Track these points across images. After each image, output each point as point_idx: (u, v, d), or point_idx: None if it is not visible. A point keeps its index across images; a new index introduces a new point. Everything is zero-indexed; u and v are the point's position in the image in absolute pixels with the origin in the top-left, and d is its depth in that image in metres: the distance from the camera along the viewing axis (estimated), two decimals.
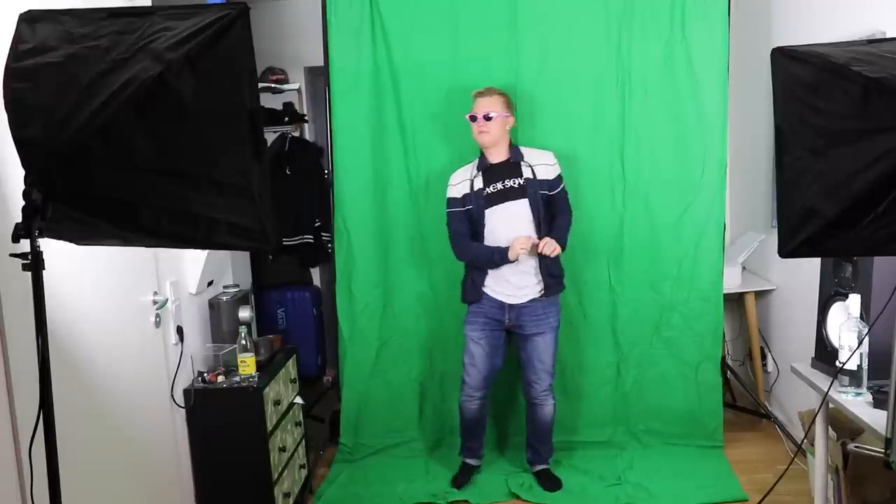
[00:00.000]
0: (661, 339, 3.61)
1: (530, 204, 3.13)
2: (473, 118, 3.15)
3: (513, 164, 3.18)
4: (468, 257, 3.23)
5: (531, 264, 3.16)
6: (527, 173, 3.16)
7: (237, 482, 2.85)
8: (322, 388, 4.39)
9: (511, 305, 3.20)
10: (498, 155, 3.19)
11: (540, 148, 3.31)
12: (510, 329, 3.27)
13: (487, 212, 3.15)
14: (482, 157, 3.22)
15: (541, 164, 3.18)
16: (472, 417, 3.37)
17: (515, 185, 3.14)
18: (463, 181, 3.21)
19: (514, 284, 3.18)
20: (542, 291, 3.18)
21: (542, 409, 3.29)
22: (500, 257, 3.11)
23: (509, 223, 3.13)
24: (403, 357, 3.70)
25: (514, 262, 3.11)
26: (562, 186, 3.23)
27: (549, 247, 3.05)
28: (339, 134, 3.59)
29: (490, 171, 3.18)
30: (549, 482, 3.33)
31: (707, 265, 3.55)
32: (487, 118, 3.12)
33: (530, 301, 3.19)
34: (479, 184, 3.18)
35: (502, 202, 3.14)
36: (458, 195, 3.20)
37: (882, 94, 1.27)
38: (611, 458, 3.54)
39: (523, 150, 3.24)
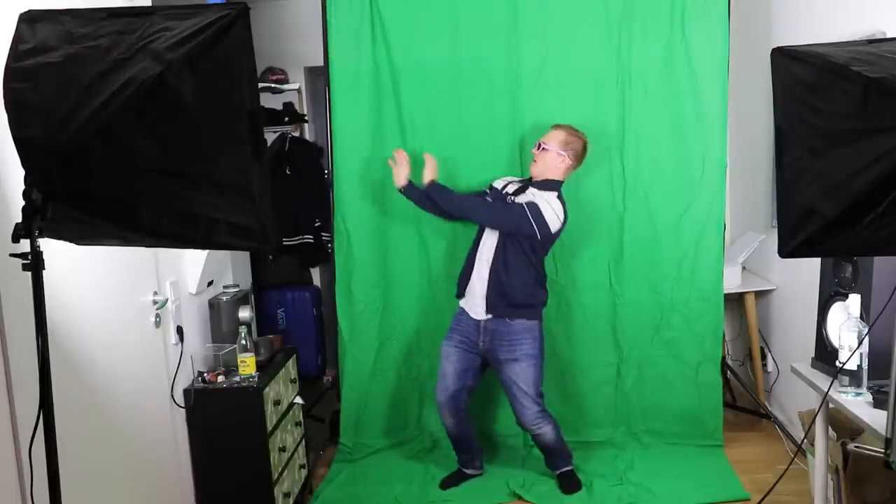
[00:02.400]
0: (661, 340, 3.61)
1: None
2: (537, 144, 3.19)
3: (525, 185, 3.20)
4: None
5: (481, 274, 3.15)
6: (522, 198, 3.14)
7: (237, 482, 2.85)
8: (322, 388, 4.39)
9: (482, 326, 3.18)
10: (537, 180, 3.19)
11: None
12: (485, 356, 3.23)
13: None
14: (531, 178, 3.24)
15: (537, 196, 3.10)
16: (450, 434, 3.36)
17: (510, 200, 3.18)
18: (504, 180, 3.32)
19: (474, 294, 3.19)
20: (486, 309, 3.15)
21: (541, 436, 3.25)
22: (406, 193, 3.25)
23: (488, 232, 3.19)
24: (403, 357, 3.70)
25: (406, 187, 3.20)
26: (521, 205, 3.07)
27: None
28: (339, 134, 3.59)
29: (521, 187, 3.23)
30: (567, 486, 3.31)
31: (707, 265, 3.54)
32: (539, 147, 3.15)
33: (493, 321, 3.16)
34: (510, 189, 3.23)
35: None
36: (496, 184, 3.30)
37: (882, 94, 1.27)
38: (611, 458, 3.54)
39: (553, 193, 3.12)
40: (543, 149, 3.13)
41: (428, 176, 3.22)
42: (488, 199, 3.25)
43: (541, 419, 3.20)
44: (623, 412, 3.68)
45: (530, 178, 3.23)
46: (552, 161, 3.13)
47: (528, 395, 3.17)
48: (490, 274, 3.13)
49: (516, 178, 3.35)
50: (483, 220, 3.18)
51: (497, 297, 3.13)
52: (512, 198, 3.19)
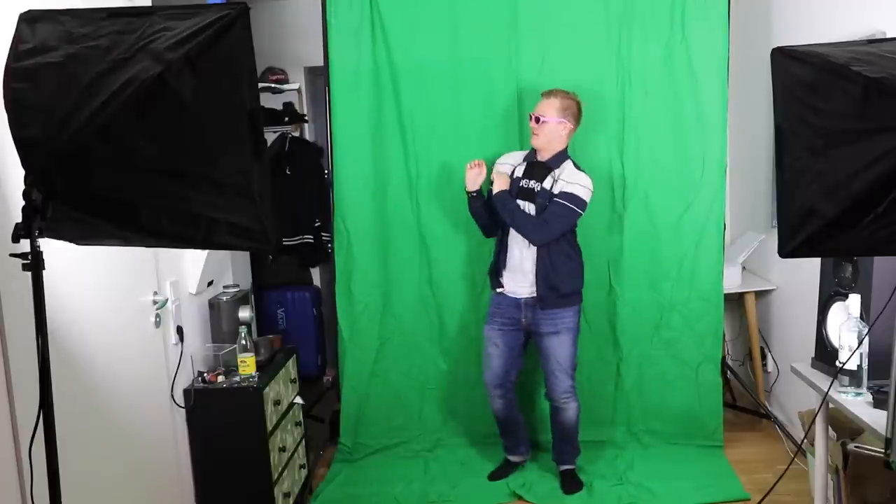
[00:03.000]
0: (661, 340, 3.61)
1: (537, 212, 3.12)
2: (530, 116, 3.15)
3: (545, 168, 3.16)
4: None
5: (528, 263, 3.16)
6: (547, 183, 3.12)
7: (237, 482, 2.85)
8: (322, 388, 4.39)
9: (525, 302, 3.20)
10: (544, 155, 3.17)
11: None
12: (528, 329, 3.26)
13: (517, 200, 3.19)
14: (533, 150, 3.21)
15: (564, 180, 3.10)
16: (498, 417, 3.39)
17: (535, 189, 3.15)
18: (509, 164, 3.26)
19: (517, 281, 3.20)
20: (534, 295, 3.17)
21: (564, 412, 3.27)
22: (470, 201, 3.24)
23: None
24: (403, 357, 3.70)
25: (472, 194, 3.20)
26: (562, 202, 3.06)
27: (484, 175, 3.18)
28: (339, 134, 3.59)
29: (531, 167, 3.20)
30: (568, 485, 3.32)
31: (707, 265, 3.55)
32: (538, 120, 3.10)
33: (534, 298, 3.19)
34: (519, 172, 3.21)
35: (525, 199, 3.16)
36: (501, 168, 3.27)
37: (882, 94, 1.27)
38: (611, 458, 3.54)
39: (568, 163, 3.14)
40: (543, 121, 3.10)
41: (498, 187, 3.18)
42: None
43: (570, 394, 3.24)
44: (623, 412, 3.68)
45: (533, 151, 3.20)
46: (554, 131, 3.11)
47: (563, 368, 3.21)
48: (538, 263, 3.14)
49: (517, 154, 3.30)
50: (536, 241, 3.12)
51: (546, 290, 3.16)
52: (528, 183, 3.16)
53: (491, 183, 3.22)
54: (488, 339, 3.31)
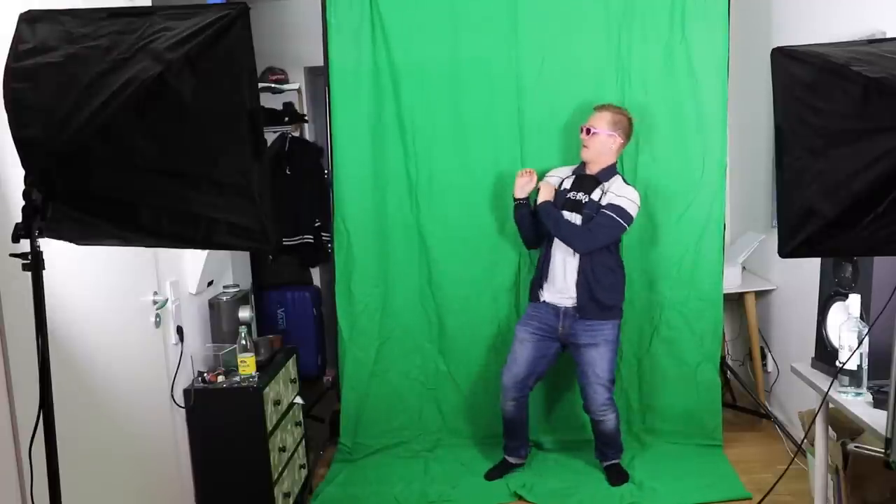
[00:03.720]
0: (660, 339, 3.61)
1: (583, 223, 3.14)
2: (581, 129, 3.20)
3: (594, 181, 3.19)
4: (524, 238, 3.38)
5: (571, 272, 3.17)
6: (596, 195, 3.15)
7: (237, 482, 2.85)
8: (322, 388, 4.39)
9: (565, 312, 3.21)
10: (593, 168, 3.21)
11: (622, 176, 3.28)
12: (564, 340, 3.26)
13: (563, 211, 3.20)
14: (582, 164, 3.26)
15: (613, 192, 3.13)
16: (506, 417, 3.38)
17: (582, 200, 3.18)
18: (557, 177, 3.29)
19: (558, 290, 3.21)
20: (575, 306, 3.18)
21: (604, 424, 3.27)
22: (517, 209, 3.29)
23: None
24: (403, 357, 3.70)
25: (521, 201, 3.25)
26: (609, 214, 3.08)
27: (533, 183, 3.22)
28: (339, 134, 3.59)
29: (579, 179, 3.24)
30: (615, 478, 3.33)
31: (707, 265, 3.54)
32: (588, 132, 3.15)
33: (574, 308, 3.20)
34: (567, 185, 3.24)
35: (572, 210, 3.19)
36: (550, 180, 3.29)
37: (882, 94, 1.27)
38: None
39: (617, 177, 3.19)
40: (593, 133, 3.13)
41: (543, 197, 3.21)
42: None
43: (608, 407, 3.23)
44: (622, 411, 3.66)
45: (582, 164, 3.24)
46: (604, 144, 3.14)
47: (601, 381, 3.20)
48: (580, 272, 3.15)
49: (566, 168, 3.33)
50: (579, 248, 3.14)
51: (587, 300, 3.17)
52: (576, 195, 3.18)
53: (537, 192, 3.24)
54: (519, 339, 3.30)
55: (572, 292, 3.18)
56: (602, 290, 3.17)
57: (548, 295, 3.25)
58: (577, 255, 3.15)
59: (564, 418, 3.70)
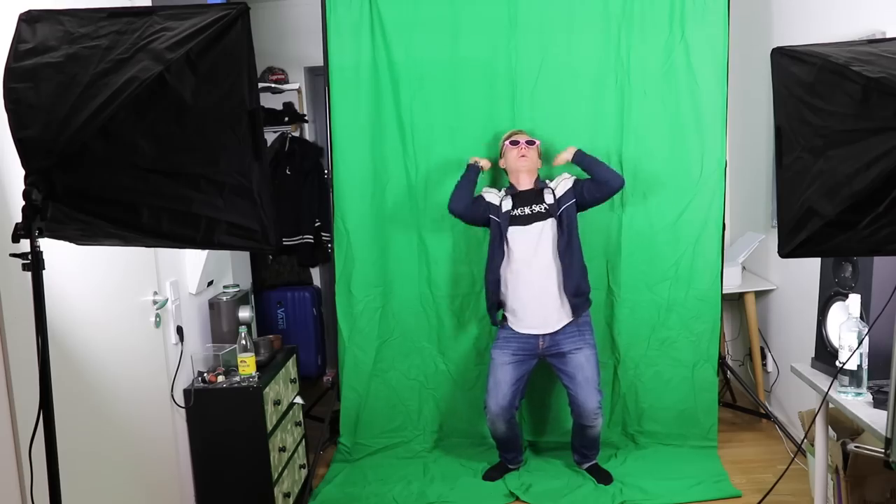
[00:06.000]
0: (658, 340, 3.61)
1: (558, 222, 3.17)
2: (515, 143, 3.27)
3: (538, 192, 3.26)
4: (455, 196, 3.30)
5: (552, 283, 3.17)
6: (549, 199, 3.22)
7: (237, 482, 2.85)
8: (322, 388, 4.39)
9: (544, 335, 3.21)
10: (526, 183, 3.29)
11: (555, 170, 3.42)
12: (545, 353, 3.25)
13: (511, 230, 3.20)
14: (511, 185, 3.33)
15: (559, 184, 3.25)
16: (498, 437, 3.38)
17: (542, 210, 3.21)
18: (494, 195, 3.32)
19: (539, 314, 3.18)
20: (571, 313, 3.19)
21: (592, 430, 3.26)
22: (470, 170, 3.32)
23: (530, 241, 3.19)
24: (403, 357, 3.70)
25: (473, 166, 3.32)
26: (583, 183, 3.25)
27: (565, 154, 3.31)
28: (338, 134, 3.59)
29: (518, 197, 3.27)
30: (602, 476, 3.34)
31: (705, 265, 3.54)
32: (530, 143, 3.28)
33: (564, 326, 3.20)
34: (507, 206, 3.25)
35: (527, 224, 3.21)
36: (490, 199, 3.31)
37: (882, 94, 1.27)
38: (606, 458, 3.53)
39: (546, 181, 3.34)
40: (534, 143, 3.33)
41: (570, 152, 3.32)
42: (495, 219, 3.24)
43: (598, 412, 3.22)
44: (619, 413, 3.68)
45: (510, 186, 3.32)
46: (538, 153, 3.37)
47: (592, 383, 3.19)
48: (565, 271, 3.16)
49: (493, 190, 3.36)
50: (620, 182, 3.23)
51: (574, 297, 3.18)
52: (525, 209, 3.23)
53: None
54: (498, 363, 3.25)
55: (552, 320, 3.18)
56: (584, 280, 3.22)
57: (522, 327, 3.23)
58: (554, 268, 3.17)
59: (558, 420, 3.70)
